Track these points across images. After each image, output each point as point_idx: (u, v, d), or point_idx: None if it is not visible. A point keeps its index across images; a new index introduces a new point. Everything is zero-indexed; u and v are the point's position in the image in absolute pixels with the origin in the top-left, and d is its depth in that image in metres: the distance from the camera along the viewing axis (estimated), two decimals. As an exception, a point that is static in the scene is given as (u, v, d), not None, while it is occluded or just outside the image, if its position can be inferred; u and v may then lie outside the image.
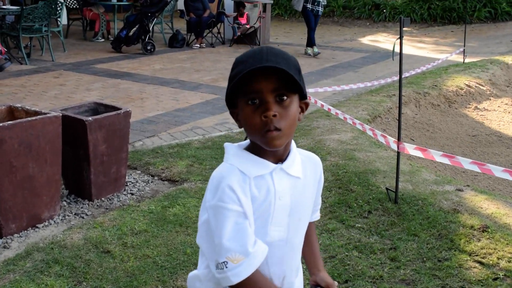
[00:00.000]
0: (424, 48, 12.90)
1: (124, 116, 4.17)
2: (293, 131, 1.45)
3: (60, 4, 11.28)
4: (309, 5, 10.95)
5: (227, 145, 1.51)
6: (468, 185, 4.24)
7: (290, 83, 1.38)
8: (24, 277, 3.02)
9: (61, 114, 3.76)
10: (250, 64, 1.36)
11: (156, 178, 4.68)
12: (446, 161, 3.43)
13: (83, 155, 4.01)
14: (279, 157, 1.47)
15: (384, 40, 14.47)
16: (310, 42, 11.42)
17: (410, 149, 3.69)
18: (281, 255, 1.50)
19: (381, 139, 4.06)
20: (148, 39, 11.36)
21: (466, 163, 3.30)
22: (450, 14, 17.26)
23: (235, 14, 12.62)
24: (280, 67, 1.34)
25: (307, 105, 1.49)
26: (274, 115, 1.37)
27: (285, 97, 1.39)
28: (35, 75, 8.98)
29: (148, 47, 11.31)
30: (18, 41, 10.04)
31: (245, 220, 1.40)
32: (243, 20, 12.44)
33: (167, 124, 6.29)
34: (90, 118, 3.92)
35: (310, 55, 11.40)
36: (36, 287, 2.93)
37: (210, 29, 12.76)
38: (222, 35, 13.14)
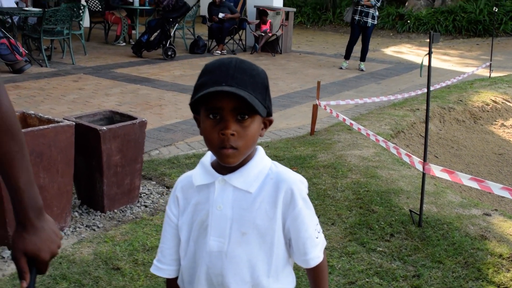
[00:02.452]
0: (448, 61, 12.66)
1: (140, 126, 4.04)
2: (251, 149, 1.45)
3: (82, 7, 11.27)
4: (356, 17, 10.59)
5: (208, 152, 1.52)
6: (496, 209, 4.04)
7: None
8: (29, 294, 2.89)
9: (74, 123, 3.64)
10: (215, 77, 1.37)
11: (171, 190, 4.54)
12: (475, 185, 3.25)
13: (96, 165, 3.89)
14: (234, 169, 1.46)
15: (408, 52, 14.25)
16: (347, 54, 11.15)
17: (437, 170, 3.51)
18: (221, 267, 1.48)
19: (406, 159, 3.89)
20: (169, 45, 11.28)
21: (497, 189, 3.12)
22: (475, 26, 17.00)
23: (258, 21, 12.49)
24: (239, 94, 1.33)
25: (270, 121, 1.49)
26: (232, 134, 1.38)
27: (246, 116, 1.39)
28: (55, 78, 8.93)
29: (169, 53, 11.23)
30: (39, 43, 10.02)
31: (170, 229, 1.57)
32: (265, 27, 12.30)
33: (184, 133, 6.16)
34: (104, 128, 3.80)
35: (341, 68, 11.13)
36: (41, 305, 2.80)
37: (232, 36, 12.65)
38: (244, 42, 13.02)
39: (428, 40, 16.26)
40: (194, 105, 1.43)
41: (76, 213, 3.95)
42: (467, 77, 9.27)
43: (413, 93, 7.02)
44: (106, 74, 9.46)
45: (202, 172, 1.51)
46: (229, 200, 1.47)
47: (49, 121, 3.65)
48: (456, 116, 7.46)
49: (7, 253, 3.39)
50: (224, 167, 1.46)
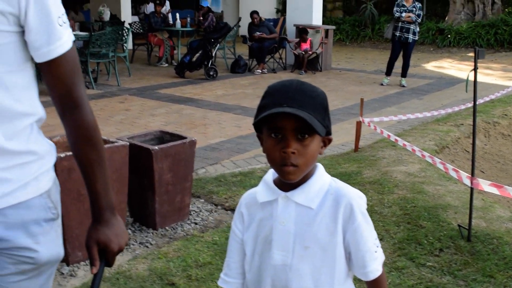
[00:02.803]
0: (491, 75, 12.52)
1: (190, 145, 4.17)
2: (310, 166, 1.52)
3: (126, 30, 11.59)
4: (397, 33, 10.60)
5: (270, 170, 1.61)
6: (546, 224, 4.01)
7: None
8: (90, 308, 3.01)
9: (128, 143, 3.79)
10: (277, 98, 1.45)
11: (219, 207, 4.65)
12: (525, 199, 3.25)
13: (148, 184, 4.02)
14: (295, 185, 1.53)
15: (449, 66, 14.14)
16: (388, 70, 11.15)
17: (485, 185, 3.52)
18: (286, 280, 1.55)
19: (453, 174, 3.90)
20: (210, 65, 11.48)
21: (548, 203, 3.11)
22: (518, 39, 16.79)
23: (297, 40, 12.61)
24: (299, 115, 1.40)
25: (330, 140, 1.56)
26: (293, 152, 1.45)
27: (306, 135, 1.46)
28: (102, 99, 9.21)
29: (211, 73, 11.43)
30: (85, 66, 10.34)
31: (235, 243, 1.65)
32: (306, 46, 12.41)
33: (229, 152, 6.28)
34: (156, 147, 3.94)
35: (382, 84, 11.14)
36: (101, 319, 2.92)
37: (272, 55, 12.80)
38: (284, 61, 13.15)
39: (470, 54, 16.07)
40: (257, 125, 1.52)
41: (129, 231, 4.09)
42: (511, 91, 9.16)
43: (456, 108, 6.98)
44: (151, 95, 9.69)
45: (265, 189, 1.60)
46: (291, 215, 1.54)
47: (104, 141, 3.80)
48: (501, 130, 7.39)
49: (66, 269, 3.53)
50: (285, 183, 1.53)
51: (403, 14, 10.46)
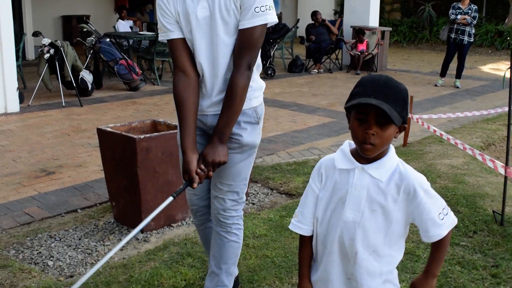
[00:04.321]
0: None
1: (250, 133, 4.66)
2: (385, 147, 1.87)
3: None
4: (452, 35, 10.87)
5: (346, 142, 2.00)
6: None
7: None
8: (163, 265, 3.56)
9: (196, 129, 4.32)
10: (367, 90, 1.81)
11: (274, 191, 5.14)
12: (552, 186, 3.59)
13: (212, 166, 4.54)
14: (370, 160, 1.90)
15: (506, 69, 14.18)
16: (443, 71, 11.40)
17: (517, 173, 3.87)
18: (353, 233, 1.92)
19: (490, 164, 4.26)
20: (269, 64, 12.00)
21: None
22: None
23: (354, 40, 12.97)
24: (382, 107, 1.76)
25: (405, 128, 1.89)
26: (373, 134, 1.81)
27: (385, 123, 1.81)
28: (166, 95, 9.85)
29: (269, 72, 11.95)
30: (150, 63, 11.03)
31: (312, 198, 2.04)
32: (362, 46, 12.76)
33: (285, 144, 6.76)
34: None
35: (436, 85, 11.40)
36: (173, 274, 3.45)
37: (329, 55, 13.21)
38: (340, 61, 13.54)
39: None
40: (348, 106, 1.90)
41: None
42: None
43: (506, 108, 7.22)
44: (212, 91, 10.26)
45: (343, 158, 1.96)
46: (365, 184, 1.91)
47: (176, 126, 4.34)
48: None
49: (140, 236, 4.10)
50: (362, 157, 1.91)
51: (459, 16, 10.68)
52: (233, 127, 2.64)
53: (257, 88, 2.75)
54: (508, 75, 3.98)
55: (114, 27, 13.31)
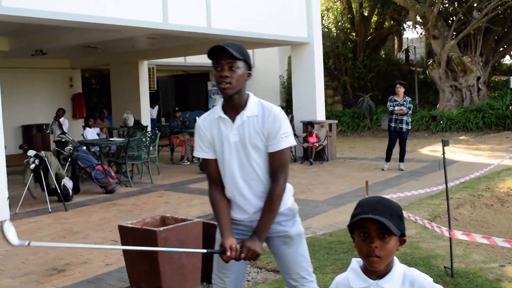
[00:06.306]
0: (480, 155, 14.14)
1: (242, 220, 5.67)
2: (390, 258, 2.03)
3: (154, 135, 13.35)
4: (392, 124, 12.32)
5: (353, 260, 2.16)
6: (509, 262, 5.45)
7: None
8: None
9: (202, 220, 5.31)
10: (364, 209, 2.01)
11: (263, 269, 6.07)
12: (485, 241, 4.73)
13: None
14: (380, 274, 2.05)
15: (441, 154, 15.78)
16: (387, 157, 12.72)
17: (458, 234, 5.00)
18: None
19: (437, 230, 5.39)
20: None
21: (500, 241, 4.59)
22: (504, 121, 18.54)
23: (305, 134, 14.34)
24: (380, 220, 1.95)
25: (404, 240, 2.08)
26: (376, 247, 1.98)
27: (385, 235, 1.99)
28: (141, 195, 10.76)
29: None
30: (120, 167, 11.97)
31: None
32: (312, 139, 14.12)
33: (261, 230, 7.73)
34: (220, 222, 5.44)
35: (383, 169, 12.70)
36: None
37: (283, 148, 14.45)
38: (294, 154, 14.83)
39: (462, 137, 17.63)
40: (351, 228, 2.08)
41: (201, 286, 5.51)
42: (496, 168, 10.72)
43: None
44: (183, 189, 11.26)
45: (355, 277, 2.09)
46: None
47: (182, 219, 5.32)
48: (485, 201, 8.89)
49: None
50: (371, 271, 2.03)
51: (396, 108, 12.21)
52: (279, 227, 3.22)
53: (289, 190, 3.33)
54: (441, 158, 5.23)
55: (82, 135, 14.30)
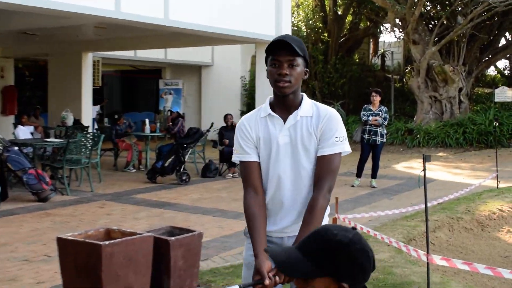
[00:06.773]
0: (460, 174, 14.48)
1: (198, 237, 5.66)
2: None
3: (96, 137, 13.23)
4: (366, 136, 12.46)
5: None
6: (490, 292, 5.62)
7: None
8: None
9: (153, 235, 5.29)
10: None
11: (220, 294, 6.10)
12: (466, 267, 4.86)
13: (164, 269, 5.48)
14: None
15: (419, 167, 16.03)
16: (359, 172, 12.90)
17: (437, 259, 5.13)
18: None
19: (414, 253, 5.51)
20: (183, 170, 13.12)
21: (481, 268, 4.73)
22: (486, 138, 18.99)
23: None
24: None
25: None
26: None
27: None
28: (80, 205, 10.65)
29: (184, 177, 13.04)
30: (56, 172, 11.82)
31: None
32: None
33: (217, 249, 7.77)
34: (173, 238, 5.45)
35: (353, 186, 12.86)
36: None
37: (243, 158, 14.50)
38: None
39: (440, 154, 18.03)
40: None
41: (147, 310, 5.49)
42: (477, 188, 11.01)
43: (423, 206, 8.69)
44: (128, 200, 11.19)
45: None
46: None
47: (131, 233, 5.29)
48: (464, 225, 9.11)
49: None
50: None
51: (370, 118, 12.40)
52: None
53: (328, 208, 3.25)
54: (422, 175, 5.36)
55: (13, 133, 14.06)
